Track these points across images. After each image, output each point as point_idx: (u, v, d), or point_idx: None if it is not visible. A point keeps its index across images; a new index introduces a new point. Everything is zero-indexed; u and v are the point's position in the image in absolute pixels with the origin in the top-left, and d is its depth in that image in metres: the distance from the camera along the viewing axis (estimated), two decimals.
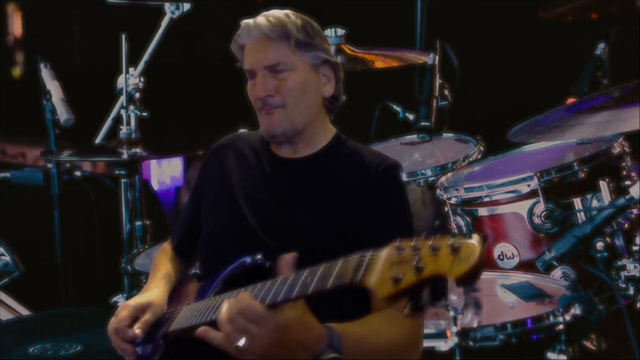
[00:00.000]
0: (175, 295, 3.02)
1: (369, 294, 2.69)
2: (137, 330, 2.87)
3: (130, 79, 4.45)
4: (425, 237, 2.26)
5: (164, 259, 3.16)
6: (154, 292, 2.99)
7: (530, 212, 3.62)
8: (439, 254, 2.21)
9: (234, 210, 2.97)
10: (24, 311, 4.38)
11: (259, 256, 2.82)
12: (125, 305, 2.91)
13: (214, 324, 2.60)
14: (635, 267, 3.35)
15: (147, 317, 2.90)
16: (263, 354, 2.51)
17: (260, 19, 3.01)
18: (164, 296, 2.99)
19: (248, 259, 2.82)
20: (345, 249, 2.56)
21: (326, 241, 2.84)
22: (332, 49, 4.52)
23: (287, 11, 3.04)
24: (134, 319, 2.89)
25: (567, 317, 3.15)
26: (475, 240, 2.22)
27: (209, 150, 3.19)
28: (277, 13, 3.02)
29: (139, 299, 2.94)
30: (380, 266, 2.27)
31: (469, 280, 2.19)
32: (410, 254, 2.24)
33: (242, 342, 2.49)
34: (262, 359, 2.51)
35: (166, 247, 3.22)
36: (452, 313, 3.05)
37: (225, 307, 2.54)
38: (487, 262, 3.69)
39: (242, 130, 3.35)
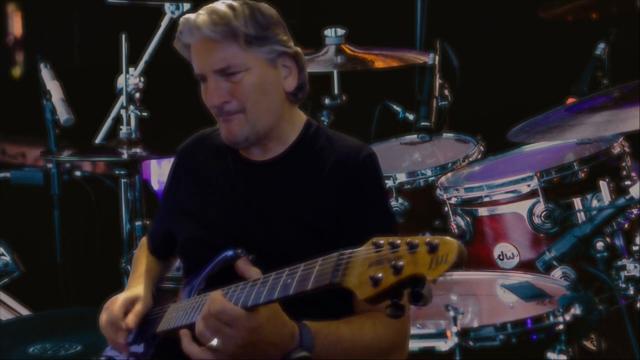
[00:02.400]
0: (162, 293, 3.00)
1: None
2: (130, 321, 2.83)
3: (130, 79, 4.45)
4: (402, 234, 2.22)
5: (143, 255, 3.10)
6: (139, 287, 2.95)
7: (530, 212, 3.61)
8: (417, 253, 2.15)
9: (205, 222, 2.85)
10: (24, 311, 4.37)
11: (240, 250, 2.70)
12: (114, 300, 2.88)
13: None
14: (635, 267, 3.35)
15: (138, 308, 2.87)
16: (234, 354, 2.49)
17: (202, 17, 2.74)
18: (148, 291, 2.95)
19: (230, 253, 2.72)
20: (325, 251, 2.54)
21: (305, 246, 2.73)
22: (332, 49, 4.55)
23: (237, 2, 2.77)
24: (126, 312, 2.86)
25: (567, 317, 3.15)
26: (451, 238, 2.16)
27: (175, 153, 3.04)
28: (220, 7, 2.75)
29: (124, 295, 2.91)
30: (359, 266, 2.23)
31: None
32: (389, 251, 2.19)
33: (214, 342, 2.48)
34: (233, 359, 2.50)
35: (145, 242, 3.15)
36: (452, 313, 3.05)
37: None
38: (487, 262, 3.69)
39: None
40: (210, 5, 2.79)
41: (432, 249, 2.14)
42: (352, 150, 2.81)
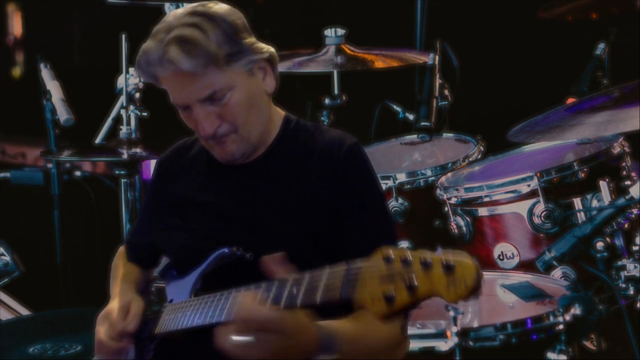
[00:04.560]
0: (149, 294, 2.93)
1: None
2: (131, 324, 2.74)
3: (130, 79, 4.45)
4: (412, 249, 2.16)
5: (121, 264, 3.02)
6: (125, 293, 2.86)
7: (530, 212, 3.61)
8: (432, 273, 2.08)
9: (193, 232, 2.77)
10: (24, 311, 4.37)
11: (236, 247, 2.64)
12: (108, 312, 2.78)
13: (204, 328, 2.53)
14: (635, 267, 3.35)
15: (134, 309, 2.77)
16: (272, 355, 2.40)
17: (173, 50, 2.56)
18: (135, 293, 2.87)
19: (225, 251, 2.65)
20: (319, 247, 2.49)
21: (298, 245, 2.65)
22: (332, 49, 4.55)
23: (198, 18, 2.59)
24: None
25: (567, 317, 3.15)
26: (467, 258, 2.08)
27: (157, 164, 2.95)
28: (186, 31, 2.57)
29: (116, 303, 2.81)
30: (370, 281, 2.16)
31: (465, 301, 2.09)
32: (401, 267, 2.12)
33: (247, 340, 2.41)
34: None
35: (122, 251, 3.08)
36: (452, 313, 3.05)
37: (242, 310, 2.39)
38: (487, 262, 3.69)
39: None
40: (175, 32, 2.60)
41: (448, 269, 2.07)
42: (334, 141, 2.73)
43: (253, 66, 2.67)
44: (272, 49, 2.73)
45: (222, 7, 2.68)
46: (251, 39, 2.68)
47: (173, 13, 2.67)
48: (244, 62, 2.65)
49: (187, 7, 2.68)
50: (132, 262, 3.02)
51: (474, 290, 2.06)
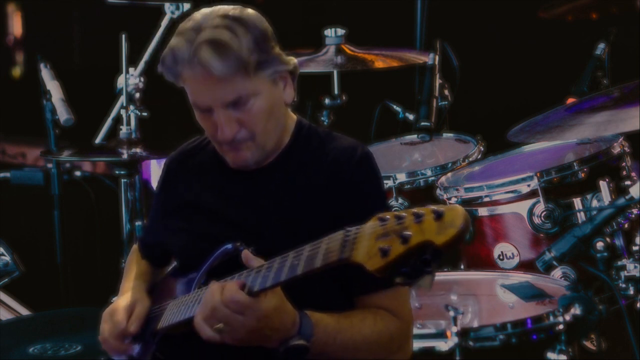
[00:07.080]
0: (158, 293, 2.94)
1: (344, 290, 2.69)
2: (132, 326, 2.78)
3: (130, 79, 4.45)
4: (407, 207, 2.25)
5: (135, 261, 3.05)
6: (134, 291, 2.90)
7: (530, 212, 3.62)
8: (423, 221, 2.17)
9: (201, 237, 2.79)
10: (24, 311, 4.37)
11: (240, 243, 2.66)
12: (113, 310, 2.82)
13: None
14: (635, 267, 3.35)
15: (137, 311, 2.82)
16: (242, 339, 2.50)
17: (205, 52, 2.55)
18: (143, 292, 2.90)
19: (229, 246, 2.68)
20: None
21: None
22: (332, 49, 4.55)
23: (230, 21, 2.59)
24: (128, 318, 2.82)
25: (567, 317, 3.15)
26: (457, 205, 2.22)
27: (165, 164, 2.96)
28: (221, 36, 2.56)
29: (122, 302, 2.85)
30: (367, 240, 2.24)
31: (455, 244, 2.16)
32: (395, 223, 2.21)
33: (220, 325, 2.50)
34: (237, 344, 2.51)
35: (136, 249, 3.10)
36: (452, 313, 3.05)
37: (208, 296, 2.50)
38: (487, 262, 3.69)
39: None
40: (207, 33, 2.58)
41: (439, 216, 2.17)
42: (347, 150, 2.74)
43: (277, 76, 2.68)
44: (295, 61, 2.74)
45: (254, 13, 2.68)
46: (278, 49, 2.69)
47: (202, 12, 2.66)
48: (270, 71, 2.65)
49: (217, 8, 2.67)
50: (146, 260, 3.06)
51: (462, 232, 2.15)
